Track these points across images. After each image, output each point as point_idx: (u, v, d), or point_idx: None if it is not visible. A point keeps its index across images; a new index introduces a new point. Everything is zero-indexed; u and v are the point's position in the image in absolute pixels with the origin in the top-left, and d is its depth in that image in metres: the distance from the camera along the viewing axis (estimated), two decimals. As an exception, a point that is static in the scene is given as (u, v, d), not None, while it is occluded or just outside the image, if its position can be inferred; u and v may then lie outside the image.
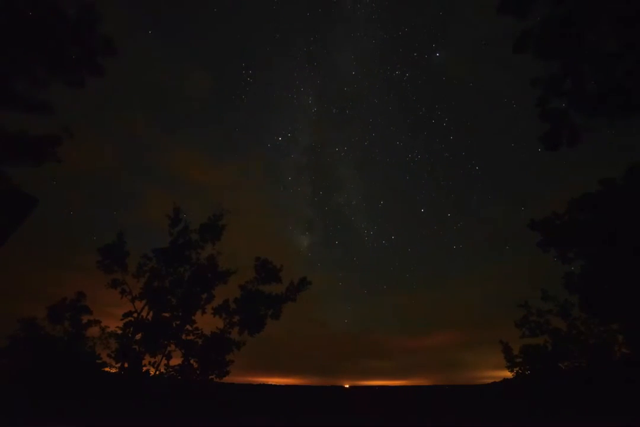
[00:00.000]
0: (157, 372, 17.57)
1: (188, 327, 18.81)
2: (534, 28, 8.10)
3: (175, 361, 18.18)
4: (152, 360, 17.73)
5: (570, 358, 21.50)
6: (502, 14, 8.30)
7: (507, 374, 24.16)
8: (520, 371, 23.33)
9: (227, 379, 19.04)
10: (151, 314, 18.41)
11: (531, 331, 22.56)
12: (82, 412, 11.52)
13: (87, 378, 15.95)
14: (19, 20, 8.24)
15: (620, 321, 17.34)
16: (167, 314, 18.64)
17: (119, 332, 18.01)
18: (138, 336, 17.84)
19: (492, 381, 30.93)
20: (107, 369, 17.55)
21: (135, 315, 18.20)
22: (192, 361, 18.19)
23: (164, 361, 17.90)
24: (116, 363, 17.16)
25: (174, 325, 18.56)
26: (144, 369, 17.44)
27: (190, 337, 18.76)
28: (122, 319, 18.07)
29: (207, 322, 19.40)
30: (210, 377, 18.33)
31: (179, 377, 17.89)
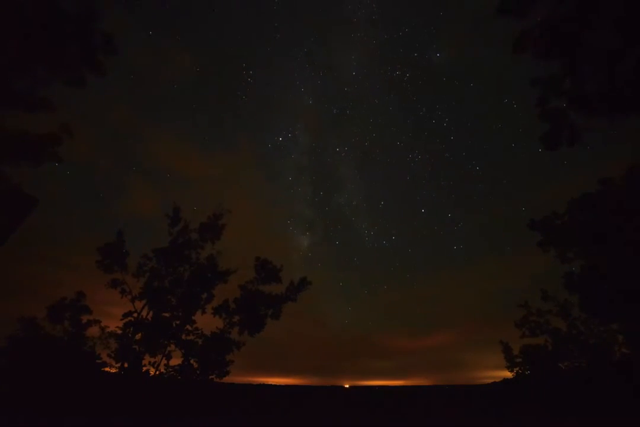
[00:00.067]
0: (157, 372, 17.56)
1: (188, 327, 18.80)
2: (534, 28, 8.10)
3: (175, 361, 18.19)
4: (152, 360, 17.72)
5: (570, 358, 21.49)
6: (502, 14, 8.31)
7: (507, 374, 24.17)
8: (520, 371, 23.33)
9: (227, 379, 19.06)
10: (151, 314, 18.40)
11: (531, 331, 22.56)
12: (82, 412, 11.52)
13: (87, 378, 15.95)
14: (19, 18, 8.24)
15: (620, 321, 17.34)
16: (167, 314, 18.63)
17: (119, 332, 18.01)
18: (138, 336, 17.83)
19: (492, 381, 30.93)
20: (107, 369, 17.56)
21: (135, 315, 18.19)
22: (192, 361, 18.17)
23: (164, 361, 17.89)
24: (116, 363, 17.15)
25: (174, 325, 18.55)
26: (144, 369, 17.43)
27: (190, 337, 18.75)
28: (122, 319, 18.07)
29: (207, 322, 19.40)
30: (210, 377, 18.31)
31: (179, 377, 17.88)
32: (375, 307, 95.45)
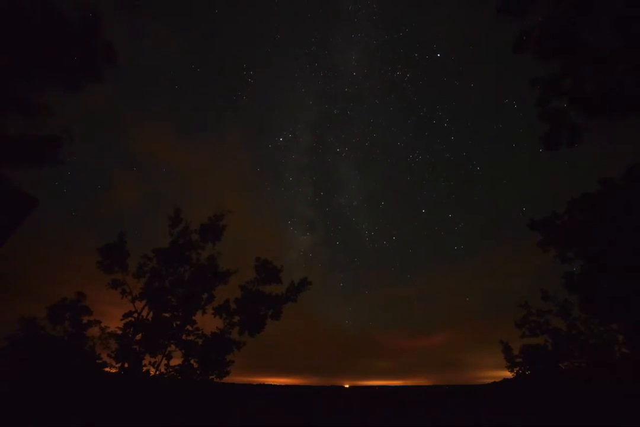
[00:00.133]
0: (157, 372, 17.56)
1: (188, 327, 18.81)
2: (534, 28, 8.10)
3: (175, 361, 18.18)
4: (152, 360, 17.72)
5: (570, 358, 21.50)
6: (502, 14, 8.31)
7: (507, 374, 24.18)
8: (520, 371, 23.33)
9: (227, 379, 19.06)
10: (151, 314, 18.41)
11: (531, 331, 22.57)
12: (82, 412, 11.52)
13: (87, 378, 15.95)
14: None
15: (620, 321, 17.34)
16: (167, 314, 18.64)
17: (119, 332, 18.02)
18: (138, 336, 17.84)
19: (492, 381, 30.97)
20: (107, 369, 17.57)
21: (135, 315, 18.20)
22: (192, 361, 18.17)
23: (164, 361, 17.89)
24: (116, 363, 17.16)
25: (174, 325, 18.55)
26: (144, 369, 17.43)
27: (191, 337, 18.75)
28: (122, 319, 18.07)
29: (207, 322, 19.40)
30: (210, 377, 18.31)
31: (179, 377, 17.88)
32: (375, 308, 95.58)
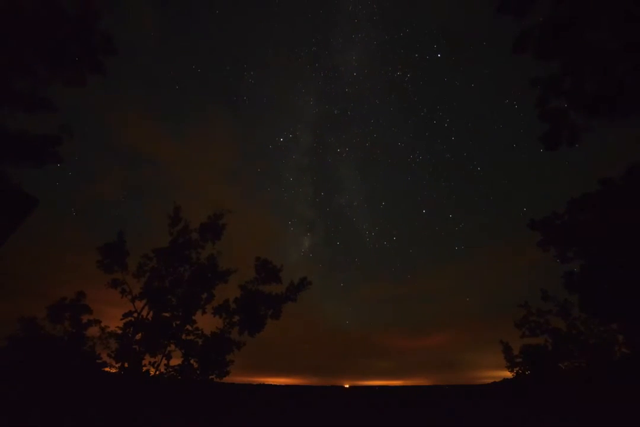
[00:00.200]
0: (157, 372, 17.56)
1: (188, 327, 18.80)
2: (534, 28, 8.10)
3: (175, 361, 18.18)
4: (152, 360, 17.72)
5: (570, 358, 21.50)
6: (502, 14, 8.31)
7: (507, 374, 24.19)
8: (520, 371, 23.34)
9: (227, 379, 19.06)
10: (151, 314, 18.41)
11: (531, 331, 22.57)
12: (82, 412, 11.52)
13: (87, 378, 15.94)
14: (19, 18, 8.24)
15: (620, 321, 17.33)
16: (167, 314, 18.63)
17: (119, 332, 18.01)
18: (138, 336, 17.84)
19: (492, 381, 30.97)
20: (107, 369, 17.56)
21: (135, 315, 18.19)
22: (192, 361, 18.17)
23: (164, 361, 17.89)
24: (116, 363, 17.15)
25: (174, 325, 18.55)
26: (144, 369, 17.43)
27: (190, 337, 18.74)
28: (122, 319, 18.07)
29: (207, 322, 19.40)
30: (210, 377, 18.31)
31: (179, 377, 17.88)
32: (375, 308, 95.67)
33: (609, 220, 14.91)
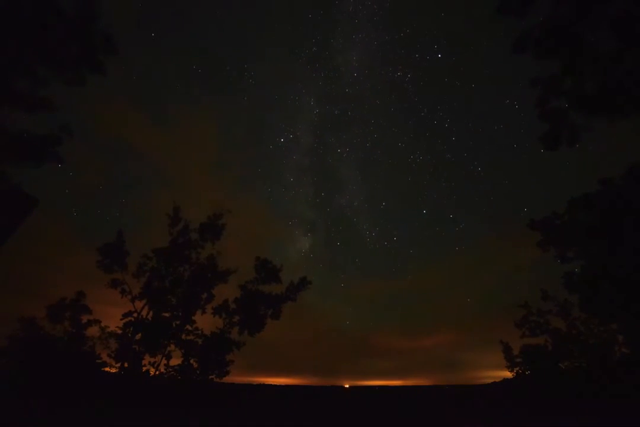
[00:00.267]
0: (157, 372, 17.56)
1: (188, 327, 18.81)
2: (534, 28, 8.10)
3: (175, 361, 18.21)
4: (152, 360, 17.73)
5: (570, 358, 21.50)
6: (502, 14, 8.30)
7: (507, 374, 24.20)
8: (520, 371, 23.34)
9: (227, 379, 19.07)
10: (151, 314, 18.41)
11: (531, 331, 22.57)
12: (82, 412, 11.52)
13: (87, 378, 15.94)
14: (18, 18, 8.24)
15: (620, 321, 17.33)
16: (167, 314, 18.63)
17: (119, 332, 18.01)
18: (138, 336, 17.83)
19: (492, 381, 30.97)
20: (107, 369, 17.56)
21: (135, 315, 18.19)
22: (192, 361, 18.17)
23: (164, 361, 17.90)
24: (116, 363, 17.15)
25: (174, 325, 18.55)
26: (144, 369, 17.43)
27: (190, 337, 18.76)
28: (122, 319, 18.08)
29: (207, 322, 19.42)
30: (210, 377, 18.32)
31: (179, 377, 17.88)
32: (375, 308, 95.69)
33: (609, 220, 14.91)
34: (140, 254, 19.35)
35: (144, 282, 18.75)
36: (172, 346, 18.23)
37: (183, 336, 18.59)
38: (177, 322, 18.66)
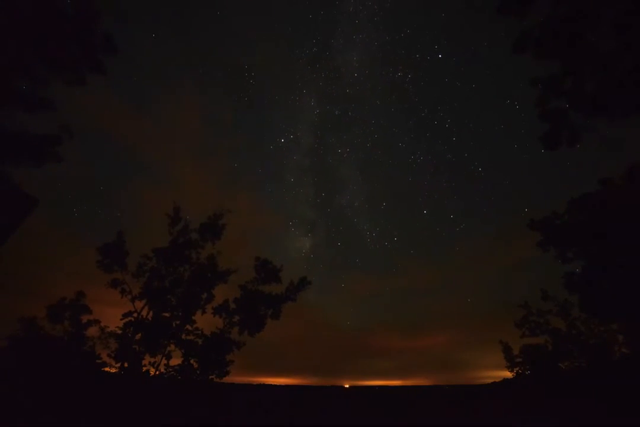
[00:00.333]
0: (157, 372, 17.55)
1: (188, 327, 18.80)
2: (534, 28, 8.09)
3: (175, 361, 18.17)
4: (152, 360, 17.70)
5: (570, 358, 21.49)
6: (502, 14, 8.30)
7: (507, 374, 24.19)
8: (520, 371, 23.34)
9: (227, 379, 19.05)
10: (151, 314, 18.40)
11: (531, 331, 22.56)
12: (82, 412, 11.52)
13: (87, 378, 15.94)
14: (18, 18, 8.24)
15: (620, 321, 17.34)
16: (167, 314, 18.62)
17: (119, 332, 18.01)
18: (138, 336, 17.83)
19: (492, 381, 30.96)
20: (107, 369, 17.56)
21: (135, 315, 18.19)
22: (192, 361, 18.16)
23: (164, 361, 17.88)
24: (116, 363, 17.14)
25: (174, 325, 18.54)
26: (144, 369, 17.42)
27: (190, 337, 18.74)
28: (122, 319, 18.05)
29: (207, 322, 19.41)
30: (210, 377, 18.31)
31: (179, 377, 17.87)
32: (376, 308, 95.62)
33: (609, 220, 14.91)
34: (139, 254, 19.36)
35: (144, 282, 18.74)
36: (172, 346, 18.22)
37: (183, 336, 18.58)
38: (177, 322, 18.65)
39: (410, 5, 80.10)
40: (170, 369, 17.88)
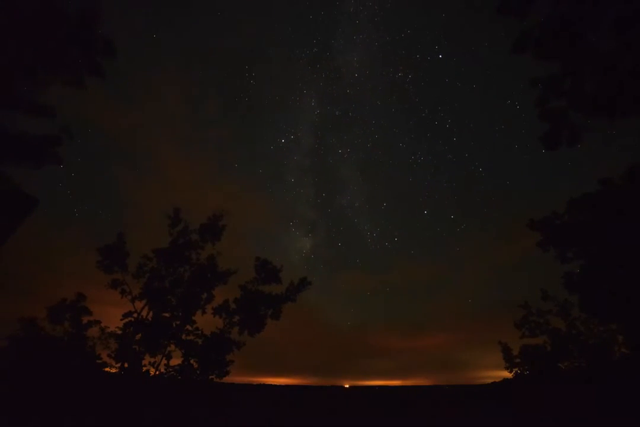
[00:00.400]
0: (157, 372, 17.56)
1: (188, 327, 18.81)
2: (534, 28, 8.09)
3: (175, 361, 18.19)
4: (152, 360, 17.72)
5: (570, 358, 21.49)
6: (502, 14, 8.30)
7: (507, 374, 24.19)
8: (519, 371, 23.34)
9: (227, 379, 19.07)
10: (151, 314, 18.42)
11: (531, 331, 22.55)
12: (82, 412, 11.52)
13: (87, 378, 15.95)
14: (18, 20, 8.24)
15: (620, 320, 17.33)
16: (167, 314, 18.64)
17: (119, 332, 18.02)
18: (138, 336, 17.84)
19: (492, 381, 30.94)
20: (107, 369, 17.57)
21: (135, 315, 18.20)
22: (192, 361, 18.17)
23: (164, 361, 17.90)
24: (116, 363, 17.16)
25: (174, 325, 18.55)
26: (144, 369, 17.44)
27: (190, 337, 18.75)
28: (122, 319, 18.08)
29: (207, 322, 19.42)
30: (210, 377, 18.32)
31: (179, 377, 17.88)
32: (376, 308, 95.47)
33: (609, 220, 14.91)
34: (139, 255, 19.38)
35: (144, 283, 18.76)
36: (172, 346, 18.23)
37: (183, 336, 18.59)
38: (177, 323, 18.66)
39: (411, 6, 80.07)
40: (170, 369, 17.89)
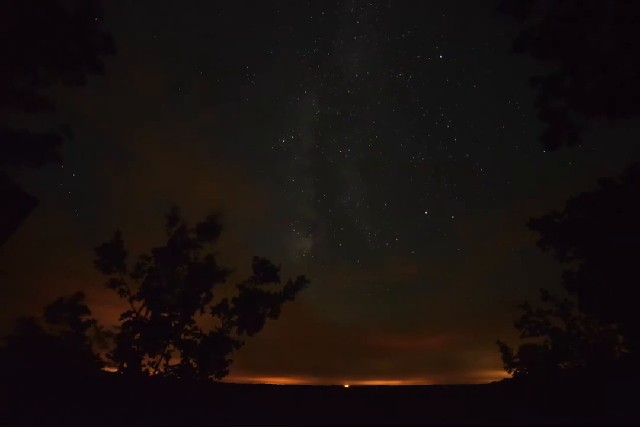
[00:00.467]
0: (157, 372, 17.54)
1: (187, 326, 18.79)
2: (534, 28, 8.09)
3: (174, 360, 18.18)
4: (151, 360, 17.71)
5: (570, 358, 21.47)
6: (502, 14, 8.30)
7: (507, 374, 24.19)
8: (519, 371, 23.34)
9: (227, 379, 19.05)
10: (150, 313, 18.39)
11: (531, 331, 22.54)
12: (82, 412, 11.51)
13: (87, 378, 15.93)
14: (19, 18, 8.23)
15: (620, 320, 17.33)
16: (165, 314, 18.61)
17: (118, 332, 18.00)
18: (137, 336, 17.82)
19: (492, 381, 30.92)
20: (106, 369, 17.56)
21: (134, 315, 18.18)
22: (191, 361, 18.15)
23: (163, 361, 17.88)
24: (115, 363, 17.14)
25: (173, 325, 18.53)
26: (143, 369, 17.41)
27: (189, 336, 18.73)
28: (120, 319, 18.05)
29: (205, 321, 19.40)
30: (210, 377, 18.30)
31: (178, 377, 17.86)
32: (376, 308, 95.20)
33: (609, 220, 14.92)
34: (137, 254, 19.34)
35: (142, 282, 18.74)
36: (171, 346, 18.22)
37: (182, 336, 18.57)
38: (176, 322, 18.64)
39: (411, 6, 79.91)
40: (170, 369, 17.87)
